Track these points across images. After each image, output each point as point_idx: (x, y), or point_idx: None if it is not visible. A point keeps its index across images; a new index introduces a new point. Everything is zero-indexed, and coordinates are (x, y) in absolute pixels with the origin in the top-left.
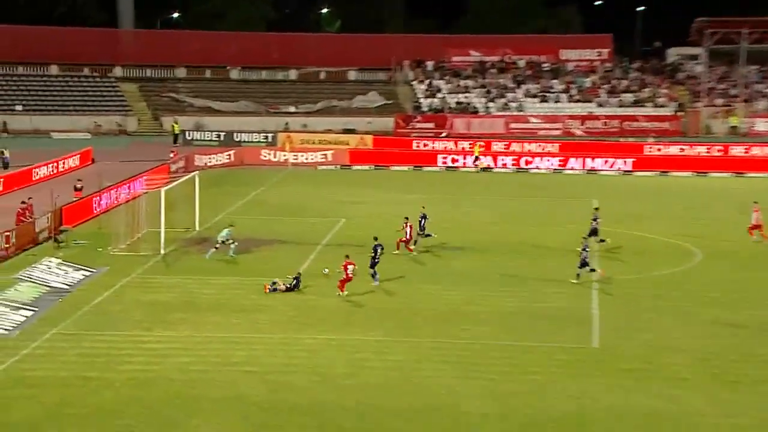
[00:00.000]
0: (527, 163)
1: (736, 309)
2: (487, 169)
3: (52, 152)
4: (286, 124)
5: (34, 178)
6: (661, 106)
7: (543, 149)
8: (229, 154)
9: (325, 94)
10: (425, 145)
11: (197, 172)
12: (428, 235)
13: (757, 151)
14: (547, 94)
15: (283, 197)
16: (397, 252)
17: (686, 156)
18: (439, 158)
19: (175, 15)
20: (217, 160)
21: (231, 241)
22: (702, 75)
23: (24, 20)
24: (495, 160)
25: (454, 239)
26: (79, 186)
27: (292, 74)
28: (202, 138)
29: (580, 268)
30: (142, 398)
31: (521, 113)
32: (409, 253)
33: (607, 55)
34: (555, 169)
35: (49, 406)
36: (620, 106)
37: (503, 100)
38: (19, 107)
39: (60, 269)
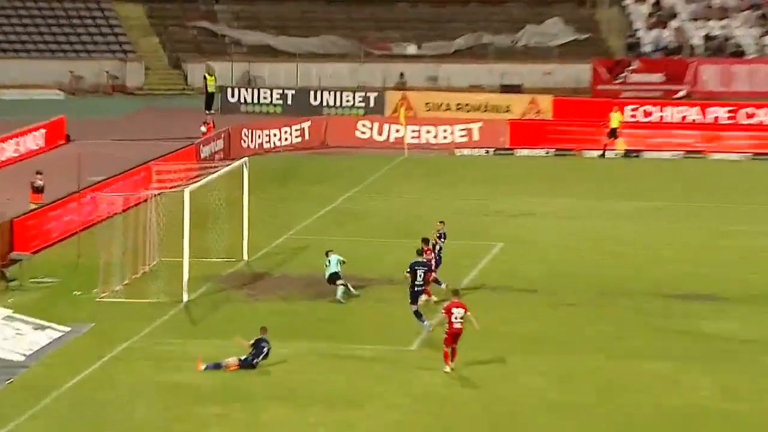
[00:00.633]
0: None
1: None
2: (631, 154)
3: None
4: (401, 76)
5: None
6: None
7: None
8: (302, 129)
9: (469, 24)
10: (647, 114)
11: (245, 159)
12: (437, 282)
13: None
14: None
15: (395, 204)
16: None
17: None
18: (674, 136)
19: None
20: (280, 139)
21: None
22: None
23: None
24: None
25: (708, 282)
26: (39, 184)
27: None
28: (256, 100)
29: None
30: None
31: None
32: (428, 299)
33: None
34: None
35: None
36: None
37: None
38: None
39: (9, 327)
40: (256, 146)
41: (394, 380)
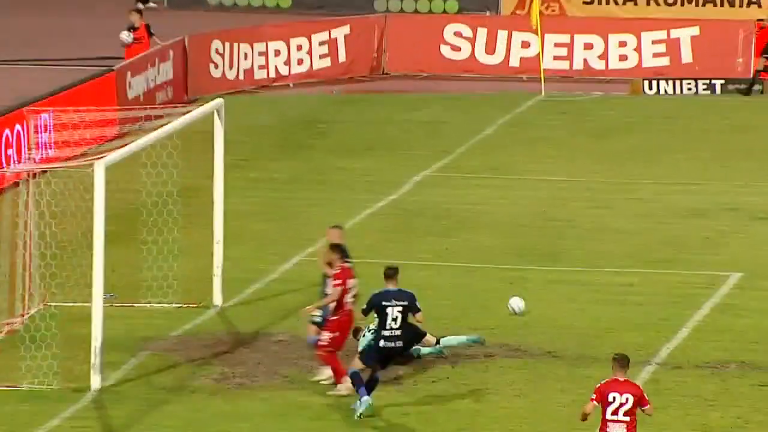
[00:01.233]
0: None
1: None
2: None
3: None
4: None
5: None
6: None
7: None
8: (332, 41)
9: None
10: None
11: (219, 101)
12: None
13: None
14: None
15: (522, 197)
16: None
17: None
18: None
19: None
20: (288, 62)
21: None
22: None
23: None
24: None
25: None
26: None
27: None
28: None
29: None
30: None
31: None
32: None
33: None
34: None
35: None
36: None
37: None
38: None
39: None
40: (240, 76)
41: None
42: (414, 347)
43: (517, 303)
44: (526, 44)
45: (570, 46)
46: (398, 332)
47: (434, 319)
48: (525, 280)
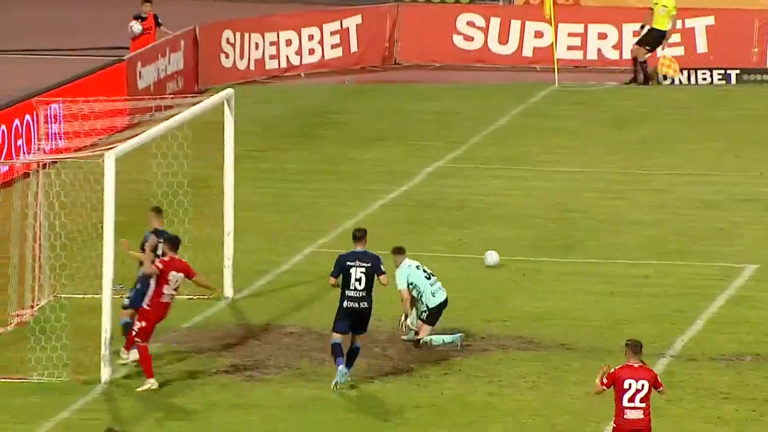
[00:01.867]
0: None
1: None
2: None
3: None
4: None
5: None
6: None
7: None
8: (344, 30)
9: None
10: None
11: (229, 91)
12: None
13: None
14: None
15: (537, 188)
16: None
17: None
18: None
19: None
20: (299, 52)
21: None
22: None
23: None
24: None
25: None
26: None
27: None
28: None
29: None
30: None
31: None
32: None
33: None
34: None
35: None
36: None
37: None
38: None
39: None
40: (251, 66)
41: None
42: (427, 336)
43: (492, 257)
44: (539, 34)
45: (584, 36)
46: (362, 293)
47: (447, 311)
48: (538, 272)
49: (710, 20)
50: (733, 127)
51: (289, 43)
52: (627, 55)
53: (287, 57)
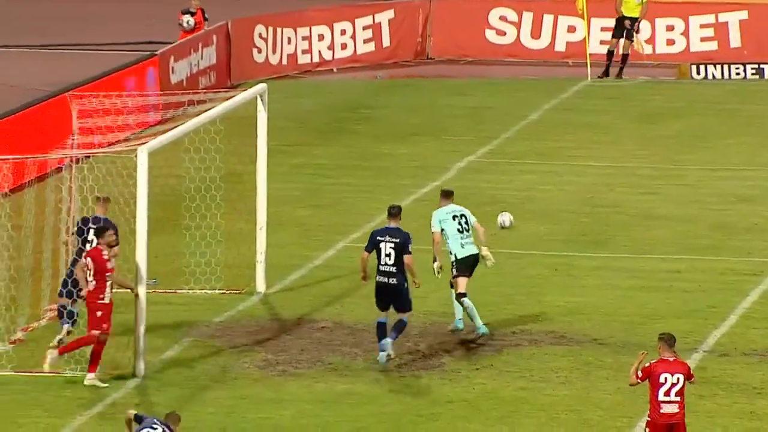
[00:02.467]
0: None
1: None
2: None
3: None
4: None
5: None
6: None
7: None
8: (376, 25)
9: None
10: None
11: (262, 86)
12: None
13: None
14: None
15: (569, 182)
16: None
17: None
18: None
19: None
20: (331, 47)
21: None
22: None
23: None
24: None
25: None
26: None
27: None
28: None
29: None
30: None
31: None
32: None
33: None
34: None
35: None
36: None
37: None
38: None
39: None
40: (283, 61)
41: None
42: (454, 324)
43: (505, 218)
44: (572, 28)
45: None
46: (392, 268)
47: (480, 305)
48: (570, 266)
49: (743, 15)
50: (767, 122)
51: (321, 37)
52: (660, 49)
53: (320, 52)
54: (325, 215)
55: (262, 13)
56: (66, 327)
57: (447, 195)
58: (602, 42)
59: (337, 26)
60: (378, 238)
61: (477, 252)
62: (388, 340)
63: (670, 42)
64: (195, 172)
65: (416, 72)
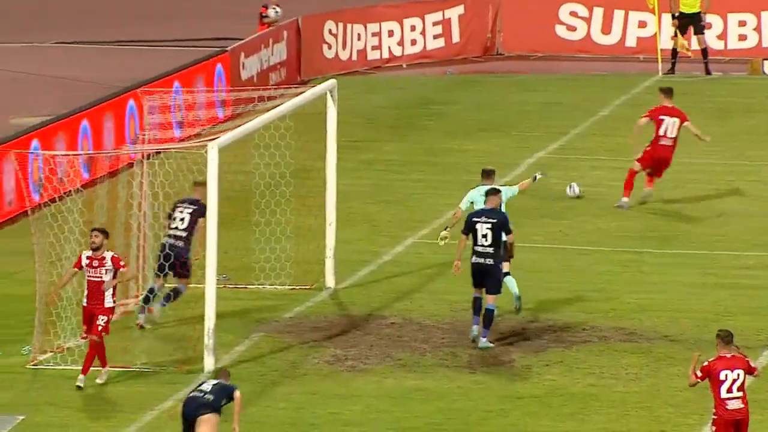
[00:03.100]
0: None
1: None
2: None
3: None
4: None
5: None
6: None
7: None
8: (445, 21)
9: None
10: None
11: (332, 82)
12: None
13: None
14: None
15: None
16: None
17: None
18: None
19: None
20: (401, 43)
21: None
22: None
23: None
24: None
25: None
26: None
27: None
28: None
29: None
30: None
31: None
32: None
33: None
34: None
35: None
36: None
37: None
38: None
39: None
40: (353, 57)
41: None
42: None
43: (574, 188)
44: (642, 24)
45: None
46: (489, 249)
47: (549, 301)
48: (640, 263)
49: None
50: None
51: (391, 33)
52: (732, 44)
53: (389, 48)
54: (394, 211)
55: (333, 9)
56: (159, 307)
57: (487, 175)
58: (673, 37)
59: (407, 22)
60: (474, 219)
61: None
62: (478, 331)
63: (742, 37)
64: (265, 168)
65: (486, 68)
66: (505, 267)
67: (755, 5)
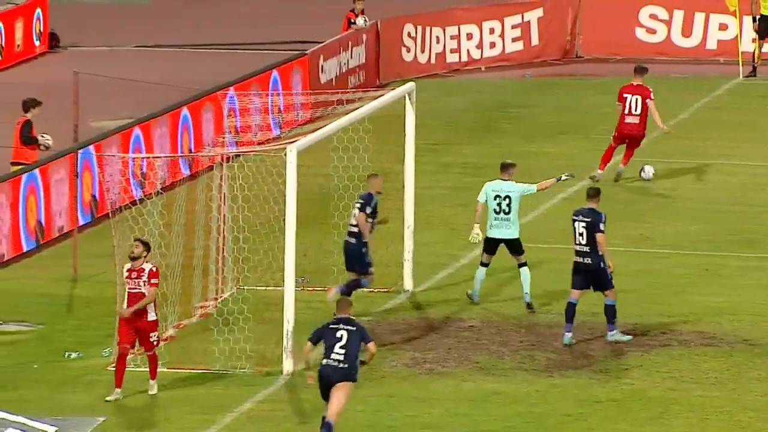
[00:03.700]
0: None
1: None
2: None
3: None
4: None
5: None
6: None
7: None
8: (525, 24)
9: None
10: None
11: (411, 85)
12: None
13: None
14: None
15: (723, 182)
16: None
17: None
18: None
19: None
20: (480, 46)
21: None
22: None
23: None
24: None
25: None
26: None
27: None
28: None
29: None
30: None
31: None
32: None
33: None
34: None
35: None
36: None
37: None
38: None
39: None
40: (432, 60)
41: None
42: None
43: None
44: (723, 26)
45: None
46: (586, 248)
47: (628, 304)
48: (721, 266)
49: None
50: None
51: (470, 36)
52: None
53: (468, 51)
54: (472, 214)
55: (412, 12)
56: (337, 290)
57: (503, 168)
58: (753, 40)
59: (486, 25)
60: (573, 218)
61: (505, 237)
62: (571, 335)
63: None
64: (343, 170)
65: (565, 71)
66: (523, 258)
67: None
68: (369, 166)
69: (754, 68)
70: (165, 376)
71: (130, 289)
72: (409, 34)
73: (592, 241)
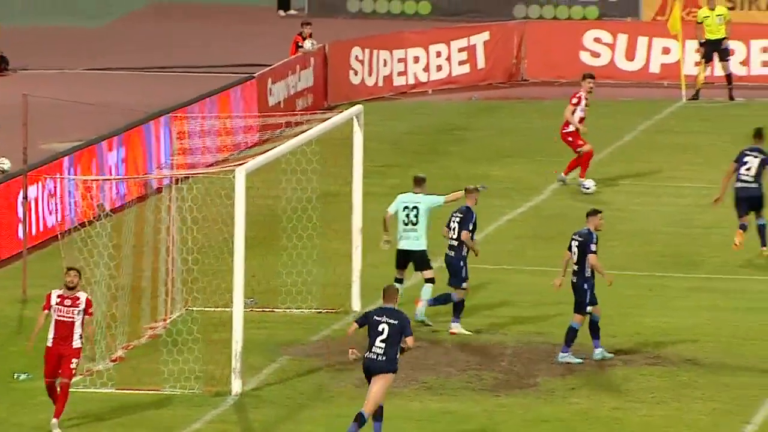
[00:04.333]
0: None
1: None
2: None
3: None
4: None
5: None
6: None
7: None
8: (471, 47)
9: None
10: None
11: (358, 108)
12: None
13: None
14: None
15: (664, 204)
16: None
17: None
18: None
19: None
20: (427, 69)
21: None
22: None
23: None
24: None
25: None
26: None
27: None
28: None
29: None
30: None
31: None
32: None
33: None
34: None
35: None
36: None
37: None
38: None
39: None
40: (379, 83)
41: None
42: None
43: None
44: (666, 50)
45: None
46: (575, 267)
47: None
48: (665, 287)
49: None
50: None
51: (417, 59)
52: (755, 71)
53: (415, 74)
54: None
55: (359, 36)
56: (425, 302)
57: (416, 182)
58: (697, 63)
59: (433, 48)
60: (572, 237)
61: (411, 249)
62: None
63: (766, 63)
64: (292, 192)
65: (511, 93)
66: (429, 274)
67: None
68: (317, 188)
69: (697, 91)
70: (114, 398)
71: (59, 316)
72: (356, 57)
73: (581, 262)
